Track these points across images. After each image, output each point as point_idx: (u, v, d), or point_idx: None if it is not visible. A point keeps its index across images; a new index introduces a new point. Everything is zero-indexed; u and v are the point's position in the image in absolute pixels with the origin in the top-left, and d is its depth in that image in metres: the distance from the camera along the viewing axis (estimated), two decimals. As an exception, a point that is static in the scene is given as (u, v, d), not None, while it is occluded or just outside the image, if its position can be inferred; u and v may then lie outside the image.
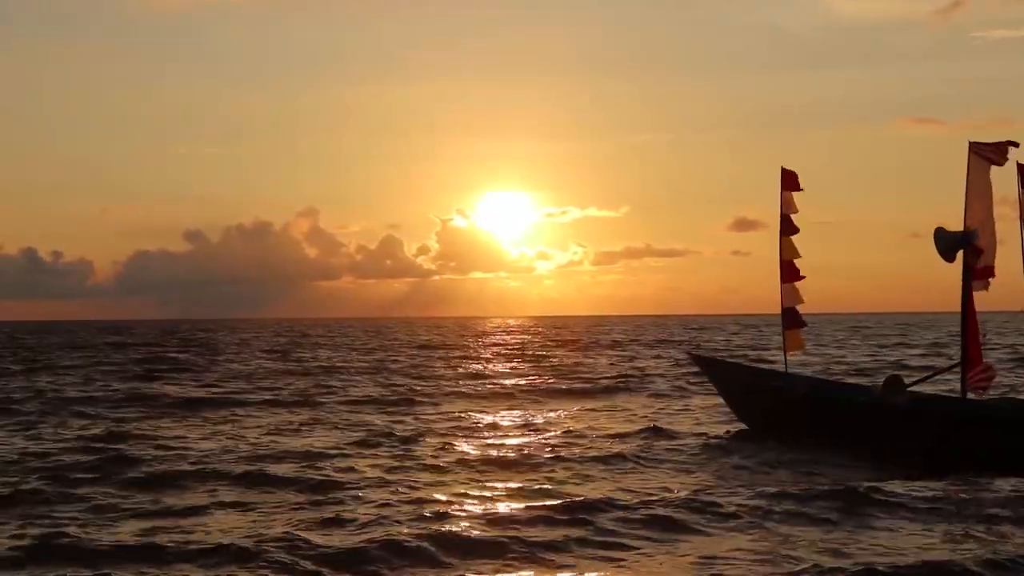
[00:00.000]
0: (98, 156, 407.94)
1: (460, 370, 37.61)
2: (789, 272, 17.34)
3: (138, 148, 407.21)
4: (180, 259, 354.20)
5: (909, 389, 16.36)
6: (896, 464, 14.56)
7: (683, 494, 12.28)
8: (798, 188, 17.17)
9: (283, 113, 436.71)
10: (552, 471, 14.31)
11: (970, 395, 15.40)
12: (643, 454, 15.94)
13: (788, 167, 17.16)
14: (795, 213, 17.17)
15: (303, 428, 19.82)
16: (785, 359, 18.15)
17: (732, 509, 11.39)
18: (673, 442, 17.30)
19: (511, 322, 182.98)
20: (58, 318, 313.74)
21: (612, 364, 40.81)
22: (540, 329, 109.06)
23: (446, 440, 17.59)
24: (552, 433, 18.75)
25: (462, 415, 21.83)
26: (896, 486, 12.65)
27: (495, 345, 63.77)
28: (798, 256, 17.25)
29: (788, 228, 17.23)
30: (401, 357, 47.84)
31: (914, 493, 12.28)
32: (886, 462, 14.79)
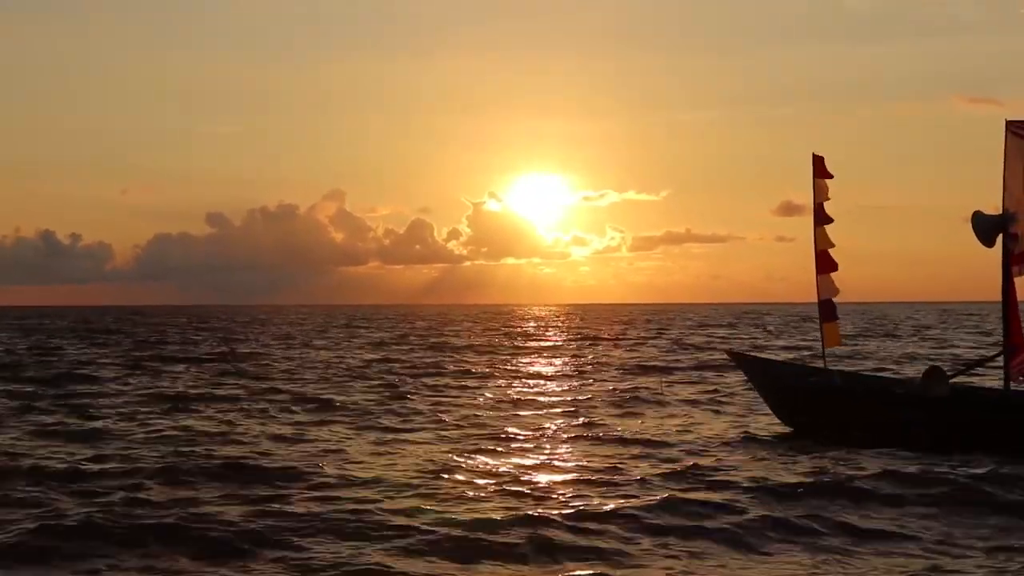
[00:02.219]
0: (117, 136, 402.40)
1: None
2: (824, 262, 16.71)
3: (159, 128, 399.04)
4: (201, 243, 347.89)
5: (951, 380, 15.74)
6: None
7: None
8: (829, 175, 16.58)
9: (309, 91, 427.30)
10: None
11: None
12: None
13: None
14: (827, 200, 16.56)
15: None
16: (824, 354, 17.50)
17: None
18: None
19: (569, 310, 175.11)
20: (74, 303, 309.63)
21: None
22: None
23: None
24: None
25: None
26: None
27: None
28: (832, 245, 16.64)
29: (822, 217, 16.62)
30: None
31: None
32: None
